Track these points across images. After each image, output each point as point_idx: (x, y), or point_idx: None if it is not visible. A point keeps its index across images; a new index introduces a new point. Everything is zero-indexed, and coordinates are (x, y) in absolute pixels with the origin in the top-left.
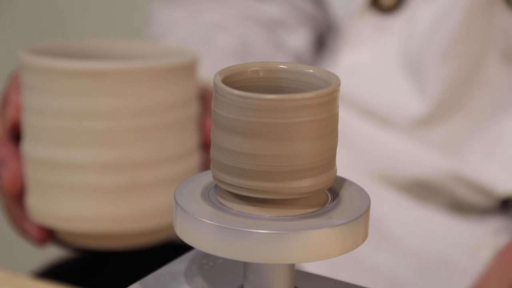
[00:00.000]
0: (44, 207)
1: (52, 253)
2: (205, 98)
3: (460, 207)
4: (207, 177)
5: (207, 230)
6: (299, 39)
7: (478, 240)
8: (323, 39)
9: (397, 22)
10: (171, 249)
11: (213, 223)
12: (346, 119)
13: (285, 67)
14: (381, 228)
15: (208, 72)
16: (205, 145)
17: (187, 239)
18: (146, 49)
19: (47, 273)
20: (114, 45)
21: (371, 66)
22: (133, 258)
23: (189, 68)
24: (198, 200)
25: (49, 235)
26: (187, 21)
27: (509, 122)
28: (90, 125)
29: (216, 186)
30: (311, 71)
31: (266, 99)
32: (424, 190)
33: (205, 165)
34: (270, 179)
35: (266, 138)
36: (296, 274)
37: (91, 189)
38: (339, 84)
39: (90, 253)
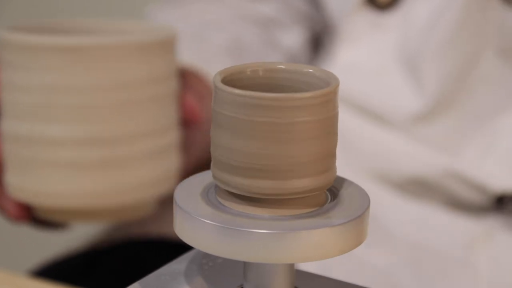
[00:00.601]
0: (22, 183)
1: (52, 253)
2: (185, 75)
3: (456, 204)
4: (207, 177)
5: (207, 230)
6: (293, 38)
7: (474, 237)
8: (319, 37)
9: (393, 19)
10: (171, 248)
11: (213, 223)
12: (342, 118)
13: (284, 67)
14: (377, 226)
15: (195, 60)
16: (184, 122)
17: (187, 239)
18: (127, 27)
19: (46, 272)
20: (94, 23)
21: (367, 63)
22: (132, 258)
23: (168, 44)
24: (198, 200)
25: (26, 212)
26: (182, 21)
27: (506, 118)
28: (68, 101)
29: (215, 186)
30: (310, 70)
31: (266, 97)
32: (420, 188)
33: (183, 143)
34: (270, 178)
35: (266, 138)
36: (296, 274)
37: (69, 165)
38: (338, 84)
39: (90, 252)
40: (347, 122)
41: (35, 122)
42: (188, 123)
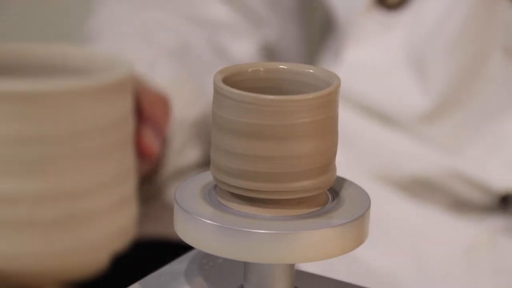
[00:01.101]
0: None
1: None
2: (141, 99)
3: (459, 205)
4: (207, 177)
5: (207, 230)
6: (243, 48)
7: (477, 239)
8: (272, 48)
9: (402, 19)
10: (171, 248)
11: (214, 223)
12: (346, 117)
13: (285, 67)
14: (379, 227)
15: (139, 64)
16: (137, 156)
17: (187, 239)
18: (70, 56)
19: None
20: (28, 49)
21: (375, 62)
22: (132, 258)
23: (127, 83)
24: (198, 200)
25: None
26: (128, 18)
27: (511, 118)
28: (21, 152)
29: (216, 186)
30: (311, 71)
31: (266, 99)
32: (423, 188)
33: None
34: (270, 179)
35: (266, 139)
36: (296, 274)
37: (25, 223)
38: (339, 85)
39: None
40: (351, 122)
41: None
42: (142, 158)
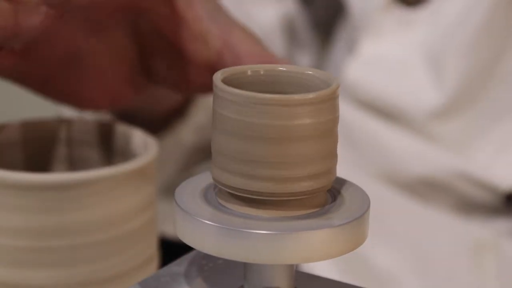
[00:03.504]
0: None
1: None
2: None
3: (464, 206)
4: (207, 178)
5: (207, 231)
6: (267, 13)
7: (481, 240)
8: (293, 20)
9: (421, 16)
10: (171, 249)
11: (213, 223)
12: (353, 117)
13: (284, 69)
14: (383, 227)
15: None
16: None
17: (187, 239)
18: (74, 126)
19: None
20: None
21: (391, 58)
22: None
23: (150, 166)
24: (197, 200)
25: None
26: None
27: None
28: (57, 243)
29: (215, 187)
30: (310, 73)
31: (266, 98)
32: (429, 189)
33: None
34: (270, 179)
35: (266, 139)
36: (296, 274)
37: None
38: (339, 86)
39: None
40: (358, 122)
41: (16, 268)
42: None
